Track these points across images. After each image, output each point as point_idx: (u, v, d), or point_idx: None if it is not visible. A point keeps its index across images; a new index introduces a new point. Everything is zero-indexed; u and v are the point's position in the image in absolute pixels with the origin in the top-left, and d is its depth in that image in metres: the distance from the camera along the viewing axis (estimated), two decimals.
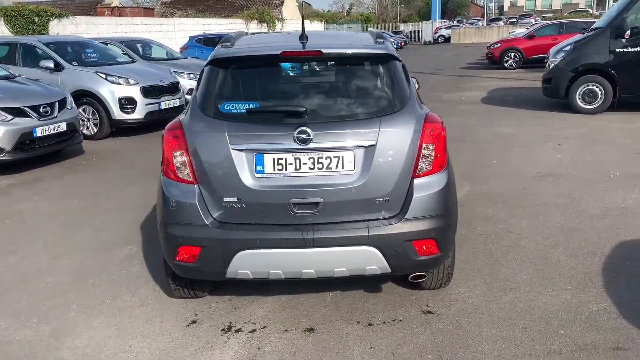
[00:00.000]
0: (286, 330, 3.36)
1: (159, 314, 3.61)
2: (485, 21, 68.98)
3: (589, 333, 3.18)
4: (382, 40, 3.47)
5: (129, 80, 9.43)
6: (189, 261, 3.13)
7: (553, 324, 3.29)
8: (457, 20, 75.06)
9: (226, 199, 3.05)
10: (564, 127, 9.23)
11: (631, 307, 3.41)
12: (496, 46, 20.70)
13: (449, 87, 15.91)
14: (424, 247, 3.08)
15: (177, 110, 10.28)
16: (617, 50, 9.82)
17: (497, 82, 16.50)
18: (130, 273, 4.23)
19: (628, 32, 9.64)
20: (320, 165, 3.02)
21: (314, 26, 39.50)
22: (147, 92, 9.51)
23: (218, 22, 27.06)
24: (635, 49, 9.69)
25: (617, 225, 4.77)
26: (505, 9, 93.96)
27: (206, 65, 3.33)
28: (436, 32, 53.52)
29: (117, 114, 9.29)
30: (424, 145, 3.08)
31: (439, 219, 3.11)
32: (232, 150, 3.02)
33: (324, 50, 3.16)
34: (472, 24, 66.35)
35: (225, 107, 3.14)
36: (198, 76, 3.47)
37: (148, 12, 35.15)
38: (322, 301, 3.68)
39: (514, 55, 20.23)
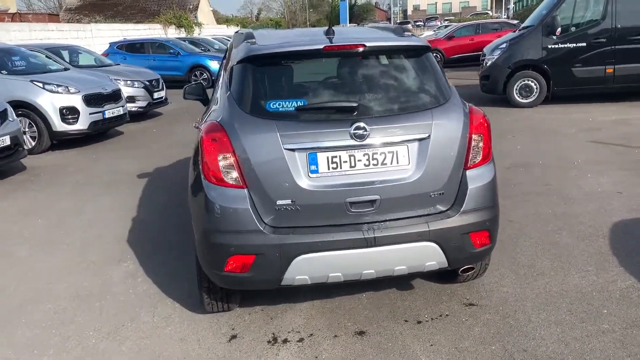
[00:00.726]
0: (336, 336, 3.23)
1: (191, 331, 3.35)
2: (391, 25, 71.21)
3: (630, 310, 3.30)
4: (410, 34, 3.44)
5: (69, 88, 8.77)
6: (240, 271, 2.93)
7: (594, 304, 3.39)
8: (363, 24, 76.99)
9: (279, 202, 2.88)
10: (509, 120, 9.66)
11: None
12: None
13: None
14: (479, 239, 3.07)
15: (121, 119, 9.73)
16: (549, 46, 10.43)
17: None
18: (139, 292, 3.91)
19: (559, 29, 10.27)
20: (375, 162, 2.93)
21: (231, 30, 38.94)
22: (89, 100, 8.90)
23: (136, 27, 25.98)
24: (566, 45, 10.35)
25: (603, 207, 5.04)
26: (409, 12, 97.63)
27: (240, 63, 3.14)
28: None
29: (58, 125, 8.62)
30: (473, 137, 3.07)
31: (491, 210, 3.11)
32: (284, 151, 2.86)
33: (367, 44, 3.07)
34: None
35: (273, 106, 2.96)
36: (226, 75, 3.26)
37: (52, 18, 33.11)
38: (359, 303, 3.58)
39: (436, 55, 20.87)
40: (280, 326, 3.37)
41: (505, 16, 52.16)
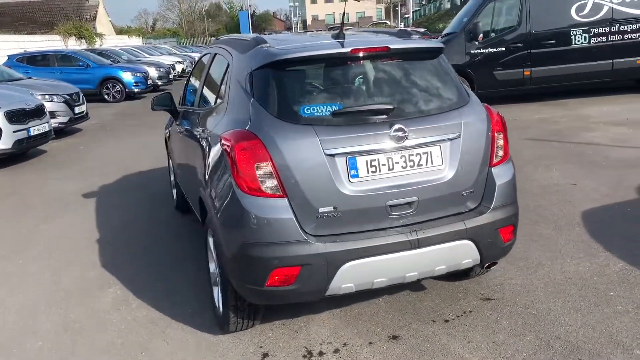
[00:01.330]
0: (371, 343, 3.18)
1: (217, 355, 3.15)
2: (292, 34, 71.92)
3: (634, 291, 3.53)
4: (418, 37, 3.48)
5: None
6: (284, 285, 2.79)
7: (599, 288, 3.59)
8: (268, 34, 77.20)
9: (321, 210, 2.79)
10: None
11: None
12: None
13: None
14: (507, 234, 3.15)
15: (46, 136, 9.01)
16: (472, 51, 11.03)
17: None
18: (140, 318, 3.62)
19: (481, 35, 10.89)
20: (412, 163, 2.92)
21: (133, 41, 37.46)
22: (12, 117, 8.16)
23: (33, 39, 24.22)
24: (487, 50, 10.99)
25: (566, 199, 5.37)
26: (309, 22, 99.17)
27: (264, 68, 3.00)
28: None
29: None
30: (495, 134, 3.15)
31: (514, 205, 3.21)
32: (325, 156, 2.77)
33: (391, 46, 3.06)
34: None
35: (307, 111, 2.87)
36: (240, 81, 3.11)
37: None
38: (379, 308, 3.55)
39: None
40: (309, 339, 3.25)
41: (403, 25, 54.54)
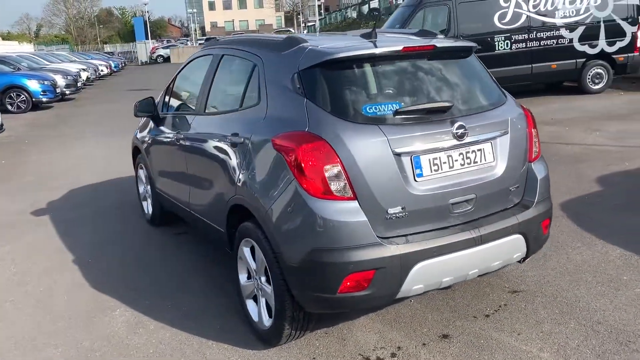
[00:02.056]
0: (424, 344, 3.15)
1: None
2: (193, 41, 70.67)
3: None
4: (442, 37, 3.52)
5: None
6: (357, 290, 2.70)
7: (611, 273, 3.82)
8: (167, 40, 75.07)
9: (390, 210, 2.73)
10: None
11: None
12: None
13: None
14: (546, 227, 3.26)
15: None
16: None
17: None
18: (166, 340, 3.34)
19: None
20: (468, 160, 2.95)
21: (25, 47, 34.80)
22: None
23: None
24: None
25: None
26: (208, 29, 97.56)
27: (316, 67, 2.89)
28: (154, 52, 52.71)
29: None
30: (532, 130, 3.26)
31: (550, 199, 3.33)
32: (394, 156, 2.72)
33: (437, 44, 3.07)
34: (182, 44, 67.29)
35: (370, 110, 2.79)
36: (290, 80, 2.97)
37: None
38: (415, 309, 3.53)
39: None
40: (359, 346, 3.16)
41: (306, 32, 55.27)
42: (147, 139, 5.00)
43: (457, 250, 2.83)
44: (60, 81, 18.11)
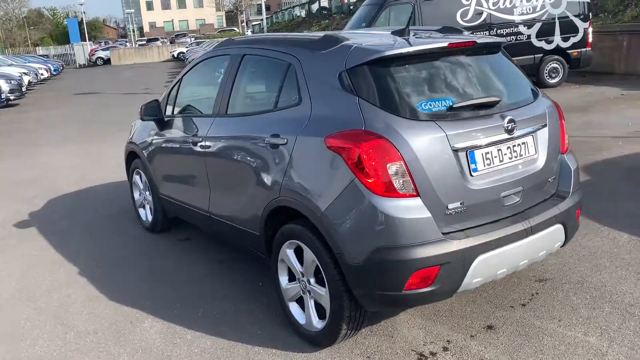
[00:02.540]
0: (472, 336, 3.20)
1: None
2: (133, 42, 68.82)
3: None
4: (468, 32, 3.59)
5: None
6: (421, 287, 2.71)
7: (625, 258, 4.00)
8: (104, 42, 72.72)
9: (450, 206, 2.76)
10: None
11: None
12: None
13: None
14: (579, 216, 3.38)
15: None
16: None
17: None
18: (208, 349, 3.25)
19: None
20: (515, 154, 3.02)
21: None
22: None
23: None
24: None
25: None
26: (147, 29, 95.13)
27: (363, 65, 2.87)
28: (93, 54, 50.93)
29: None
30: (563, 123, 3.37)
31: (580, 189, 3.45)
32: (452, 152, 2.75)
33: (478, 40, 3.12)
34: (121, 44, 65.43)
35: (425, 106, 2.81)
36: (336, 78, 2.94)
37: None
38: (450, 302, 3.56)
39: None
40: (409, 342, 3.18)
41: (250, 31, 54.85)
42: (149, 143, 4.82)
43: (511, 242, 2.89)
44: (4, 86, 17.25)
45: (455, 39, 3.11)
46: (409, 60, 2.95)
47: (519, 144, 3.03)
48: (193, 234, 5.10)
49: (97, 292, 4.08)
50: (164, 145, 4.59)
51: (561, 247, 3.33)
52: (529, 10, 11.94)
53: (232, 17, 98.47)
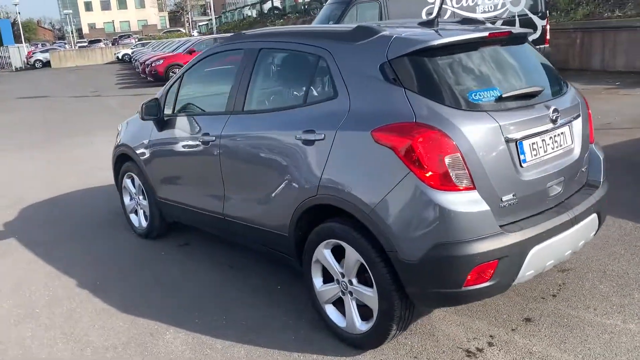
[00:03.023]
0: (513, 330, 3.17)
1: None
2: (73, 44, 66.42)
3: None
4: (487, 24, 3.57)
5: None
6: (480, 282, 2.64)
7: (637, 245, 4.08)
8: (41, 44, 69.76)
9: (504, 198, 2.71)
10: None
11: None
12: (159, 63, 20.55)
13: None
14: (607, 205, 3.41)
15: None
16: None
17: None
18: (244, 357, 3.07)
19: None
20: (556, 144, 3.00)
21: None
22: None
23: None
24: None
25: None
26: (86, 31, 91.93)
27: (405, 56, 2.78)
28: (30, 57, 48.75)
29: None
30: (590, 113, 3.39)
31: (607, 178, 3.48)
32: (505, 143, 2.70)
33: (513, 30, 3.10)
34: (60, 46, 63.05)
35: (474, 97, 2.75)
36: (377, 70, 2.84)
37: None
38: None
39: (179, 70, 20.48)
40: (453, 339, 3.12)
41: (197, 32, 53.93)
42: (145, 144, 4.56)
43: (559, 233, 2.87)
44: None
45: (493, 28, 3.07)
46: (452, 50, 2.88)
47: (559, 134, 3.02)
48: (192, 239, 4.87)
49: (104, 304, 3.81)
50: (164, 146, 4.35)
51: (593, 236, 3.35)
52: (491, 8, 12.20)
53: (175, 18, 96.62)
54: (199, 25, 53.82)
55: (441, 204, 2.56)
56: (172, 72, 20.31)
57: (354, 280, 2.98)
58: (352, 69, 2.99)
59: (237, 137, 3.60)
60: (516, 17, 12.35)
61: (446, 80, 2.76)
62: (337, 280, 3.08)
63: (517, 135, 2.75)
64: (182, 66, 20.04)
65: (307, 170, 3.08)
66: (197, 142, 3.91)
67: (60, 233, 5.29)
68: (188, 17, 64.16)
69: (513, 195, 2.74)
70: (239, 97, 3.63)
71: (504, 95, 2.80)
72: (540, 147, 2.90)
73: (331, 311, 3.18)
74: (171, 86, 4.36)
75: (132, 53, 37.76)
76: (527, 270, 2.77)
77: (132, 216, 5.11)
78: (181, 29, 59.80)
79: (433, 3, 11.79)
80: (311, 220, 3.17)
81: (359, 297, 2.98)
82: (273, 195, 3.35)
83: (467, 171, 2.60)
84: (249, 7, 33.27)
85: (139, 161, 4.65)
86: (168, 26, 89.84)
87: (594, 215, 3.15)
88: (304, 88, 3.27)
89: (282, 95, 3.60)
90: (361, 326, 3.00)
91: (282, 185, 3.26)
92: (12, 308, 3.86)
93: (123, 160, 5.03)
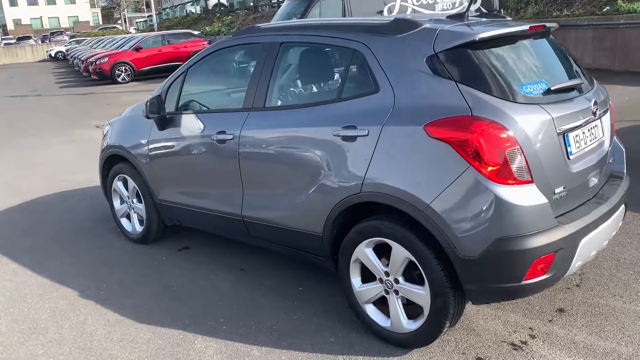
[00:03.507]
0: (550, 321, 3.21)
1: None
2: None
3: None
4: (509, 19, 3.59)
5: None
6: (538, 275, 2.65)
7: (638, 232, 4.25)
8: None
9: (557, 190, 2.73)
10: None
11: None
12: (103, 60, 19.71)
13: (98, 107, 14.47)
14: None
15: None
16: None
17: (143, 95, 16.00)
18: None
19: None
20: (592, 136, 3.05)
21: None
22: None
23: None
24: None
25: None
26: (11, 27, 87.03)
27: (455, 49, 2.75)
28: None
29: None
30: (612, 105, 3.48)
31: None
32: (557, 136, 2.71)
33: (546, 24, 3.12)
34: None
35: (526, 89, 2.74)
36: (423, 63, 2.79)
37: None
38: None
39: (125, 68, 19.78)
40: (494, 333, 3.12)
41: (134, 28, 52.25)
42: (144, 144, 4.30)
43: (602, 223, 2.92)
44: None
45: (530, 23, 3.08)
46: (497, 43, 2.87)
47: (594, 126, 3.07)
48: (191, 243, 4.66)
49: (117, 314, 3.57)
50: (168, 145, 4.11)
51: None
52: (449, 6, 12.43)
53: (108, 15, 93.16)
54: (136, 22, 52.08)
55: (503, 197, 2.54)
56: (119, 70, 19.62)
57: (401, 279, 2.92)
58: (393, 63, 2.92)
59: (260, 134, 3.45)
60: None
61: (497, 73, 2.74)
62: (380, 279, 3.00)
63: (566, 127, 2.78)
64: (128, 64, 19.65)
65: (348, 167, 2.98)
66: (210, 141, 3.72)
67: (42, 241, 4.93)
68: (123, 14, 61.93)
69: (564, 188, 2.75)
70: (259, 93, 3.48)
71: (553, 88, 2.82)
72: (582, 140, 2.93)
73: (372, 311, 3.11)
74: (172, 83, 4.13)
75: (67, 51, 36.15)
76: (577, 261, 2.79)
77: (124, 220, 4.83)
78: (118, 26, 57.73)
79: (394, 1, 11.89)
80: (348, 219, 3.08)
81: (407, 295, 2.92)
82: (305, 194, 3.23)
83: (526, 164, 2.59)
84: (190, 3, 32.44)
85: (136, 162, 4.39)
86: (101, 23, 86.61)
87: (623, 206, 3.23)
88: (338, 83, 3.18)
89: (310, 90, 3.48)
90: (408, 325, 2.94)
91: (316, 183, 3.15)
92: (12, 324, 3.55)
93: (112, 162, 4.75)
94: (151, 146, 4.24)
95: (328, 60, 3.32)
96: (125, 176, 4.63)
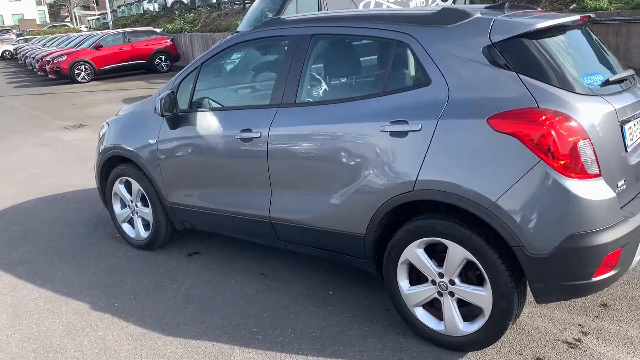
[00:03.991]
0: (597, 316, 3.16)
1: None
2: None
3: None
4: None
5: None
6: (606, 271, 2.57)
7: None
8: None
9: (619, 184, 2.65)
10: None
11: None
12: (62, 59, 18.87)
13: (62, 107, 13.84)
14: None
15: None
16: None
17: (107, 94, 15.43)
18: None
19: None
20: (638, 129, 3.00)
21: None
22: None
23: None
24: None
25: None
26: None
27: (513, 39, 2.66)
28: None
29: None
30: None
31: None
32: (619, 128, 2.65)
33: (592, 15, 3.06)
34: None
35: (587, 81, 2.66)
36: (479, 54, 2.68)
37: None
38: None
39: (85, 67, 19.01)
40: (545, 332, 3.04)
41: (86, 27, 50.59)
42: (152, 144, 4.03)
43: None
44: None
45: (580, 13, 3.01)
46: (552, 34, 2.78)
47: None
48: (200, 247, 4.42)
49: (138, 328, 3.31)
50: (182, 145, 3.86)
51: None
52: (422, 3, 12.46)
53: (55, 13, 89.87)
54: (87, 20, 50.36)
55: (575, 192, 2.45)
56: (78, 69, 18.87)
57: (457, 280, 2.79)
58: (445, 54, 2.79)
59: (292, 131, 3.26)
60: None
61: (557, 64, 2.65)
62: (433, 280, 2.87)
63: (624, 118, 2.72)
64: (88, 62, 18.93)
65: (398, 164, 2.84)
66: (233, 139, 3.50)
67: (37, 250, 4.58)
68: (73, 12, 59.83)
69: (624, 181, 2.69)
70: (289, 88, 3.29)
71: (611, 79, 2.75)
72: (634, 132, 2.88)
73: (422, 314, 2.97)
74: (184, 78, 3.88)
75: (15, 49, 34.66)
76: (638, 255, 2.74)
77: (126, 226, 4.54)
78: (68, 24, 55.71)
79: None
80: (394, 219, 2.94)
81: (465, 297, 2.79)
82: (345, 193, 3.07)
83: (595, 157, 2.51)
84: (147, 0, 31.53)
85: (144, 164, 4.11)
86: (48, 20, 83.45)
87: None
88: (381, 76, 3.02)
89: (348, 85, 3.31)
90: (465, 327, 2.82)
91: (359, 181, 2.99)
92: (23, 342, 3.25)
93: (112, 164, 4.45)
94: (161, 146, 3.98)
95: (366, 52, 3.17)
96: (129, 179, 4.34)
